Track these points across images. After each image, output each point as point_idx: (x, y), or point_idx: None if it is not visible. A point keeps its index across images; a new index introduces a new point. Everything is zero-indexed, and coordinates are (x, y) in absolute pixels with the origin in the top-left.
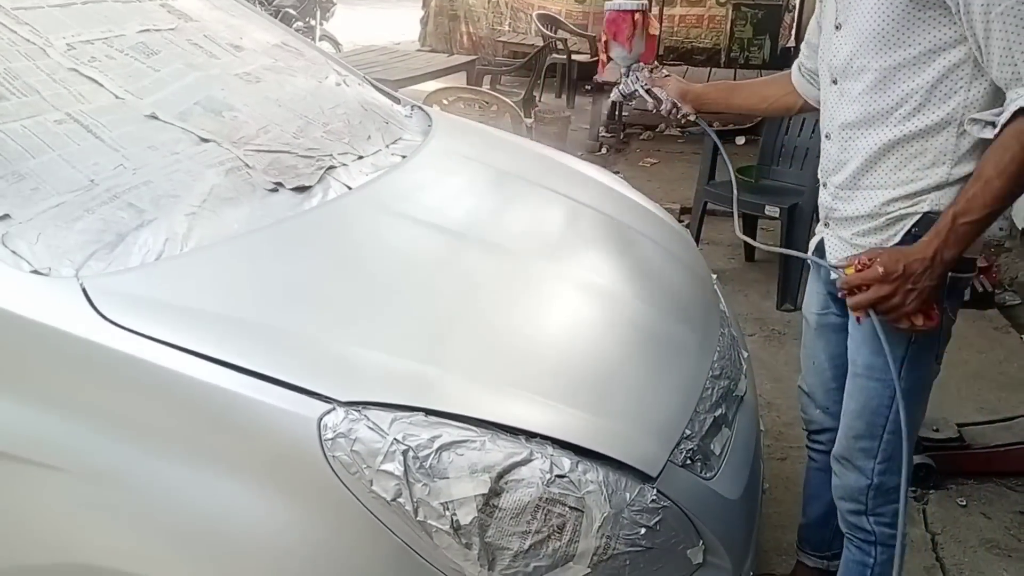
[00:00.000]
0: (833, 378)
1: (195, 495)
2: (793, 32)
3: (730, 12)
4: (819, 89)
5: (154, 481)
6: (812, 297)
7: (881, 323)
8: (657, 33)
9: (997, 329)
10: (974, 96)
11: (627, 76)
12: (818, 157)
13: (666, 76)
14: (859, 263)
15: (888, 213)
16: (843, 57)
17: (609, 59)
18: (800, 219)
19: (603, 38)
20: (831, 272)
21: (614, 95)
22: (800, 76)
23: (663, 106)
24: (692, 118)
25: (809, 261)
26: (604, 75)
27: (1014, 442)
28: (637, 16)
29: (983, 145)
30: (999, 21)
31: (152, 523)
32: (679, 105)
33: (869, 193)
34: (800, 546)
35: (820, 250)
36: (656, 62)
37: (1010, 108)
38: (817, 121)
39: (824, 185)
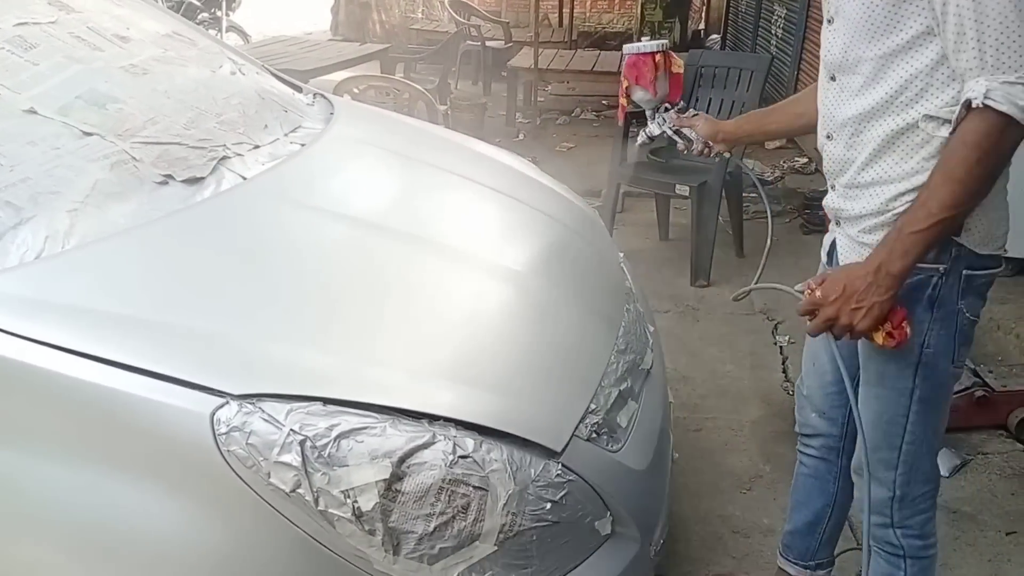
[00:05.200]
0: (834, 381)
1: (88, 499)
2: (703, 15)
3: None
4: None
5: (44, 487)
6: None
7: (865, 343)
8: (682, 71)
9: None
10: None
11: (653, 119)
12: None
13: (695, 115)
14: (808, 288)
15: (895, 208)
16: (838, 51)
17: (631, 102)
18: (709, 196)
19: (624, 83)
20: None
21: (640, 138)
22: None
23: (694, 147)
24: (727, 156)
25: (783, 290)
26: (622, 120)
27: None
28: (659, 58)
29: None
30: (952, 3)
31: (43, 529)
32: (711, 145)
33: (876, 189)
34: (783, 553)
35: (833, 250)
36: (682, 101)
37: (961, 103)
38: (723, 100)
39: (832, 187)
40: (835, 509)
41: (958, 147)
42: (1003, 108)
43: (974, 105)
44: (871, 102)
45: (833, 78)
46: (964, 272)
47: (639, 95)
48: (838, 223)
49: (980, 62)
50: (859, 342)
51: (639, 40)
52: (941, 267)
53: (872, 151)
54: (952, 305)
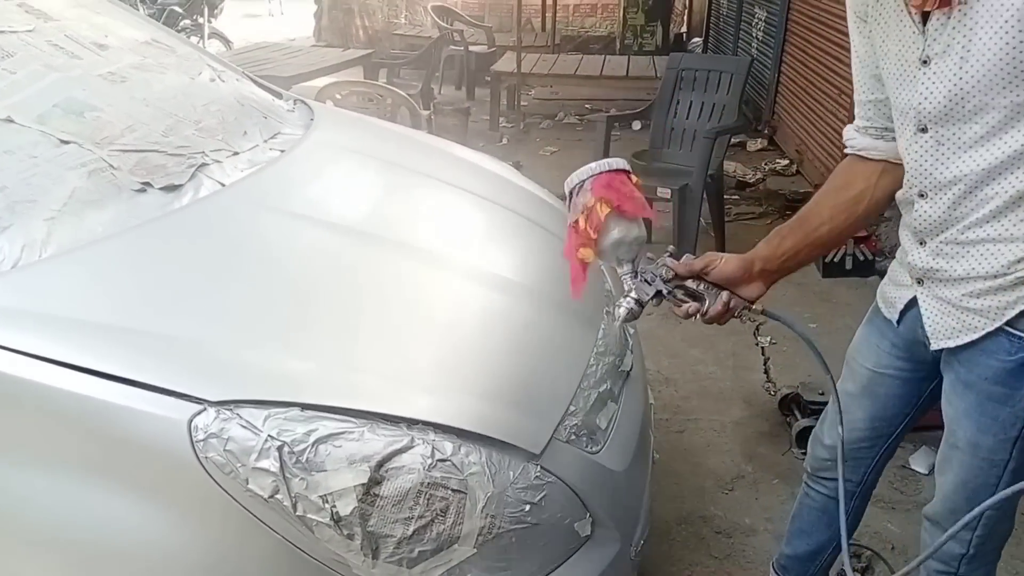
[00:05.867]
0: (865, 439)
1: (66, 508)
2: (685, 19)
3: (623, 0)
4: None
5: (21, 497)
6: (868, 349)
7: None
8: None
9: None
10: None
11: (637, 276)
12: (707, 140)
13: (709, 262)
14: None
15: (1017, 272)
16: (940, 99)
17: (597, 250)
18: (690, 199)
19: (581, 219)
20: (919, 330)
21: (623, 310)
22: (884, 141)
23: (708, 306)
24: (759, 310)
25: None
26: (580, 292)
27: None
28: (634, 178)
29: None
30: None
31: (20, 539)
32: (738, 294)
33: (989, 248)
34: (780, 572)
35: (908, 311)
36: (672, 247)
37: None
38: (704, 103)
39: (920, 243)
40: (839, 540)
41: None
42: None
43: None
44: (999, 155)
45: (924, 129)
46: None
47: (617, 235)
48: (921, 282)
49: None
50: (949, 404)
51: (624, 52)
52: None
53: (993, 209)
54: None
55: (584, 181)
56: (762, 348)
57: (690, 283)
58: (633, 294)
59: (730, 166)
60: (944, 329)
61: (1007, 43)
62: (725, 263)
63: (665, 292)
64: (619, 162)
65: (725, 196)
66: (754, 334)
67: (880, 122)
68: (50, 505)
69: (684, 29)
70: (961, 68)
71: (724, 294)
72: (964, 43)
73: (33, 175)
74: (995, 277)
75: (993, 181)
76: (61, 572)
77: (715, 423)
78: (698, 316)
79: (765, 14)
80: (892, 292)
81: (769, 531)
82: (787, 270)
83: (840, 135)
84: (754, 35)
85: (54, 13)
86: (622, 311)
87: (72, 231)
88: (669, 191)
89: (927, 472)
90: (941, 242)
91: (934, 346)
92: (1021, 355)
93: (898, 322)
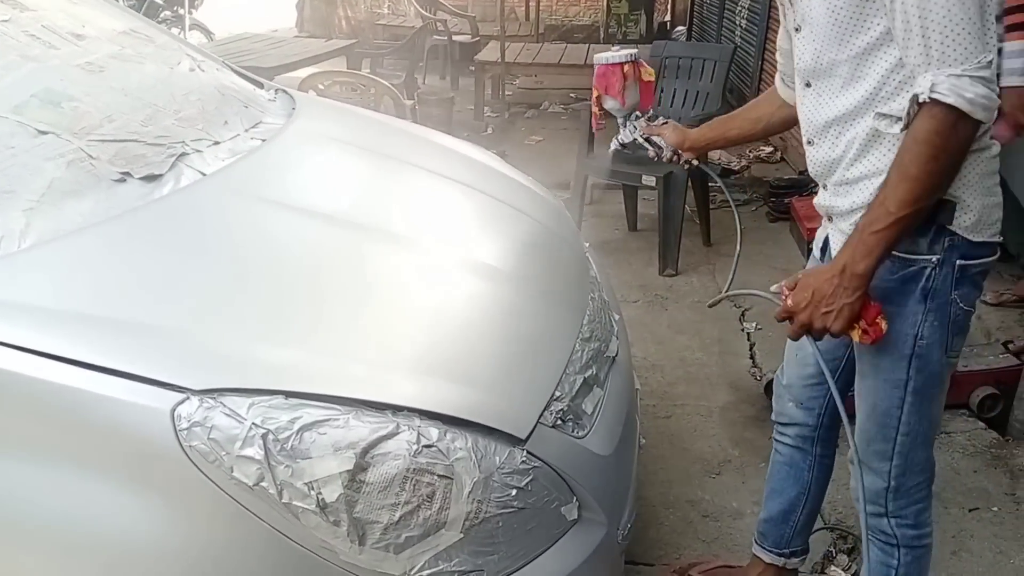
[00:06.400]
0: (815, 374)
1: (49, 498)
2: (669, 7)
3: None
4: None
5: (3, 487)
6: None
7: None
8: (653, 79)
9: None
10: None
11: (624, 126)
12: (691, 126)
13: (663, 123)
14: (783, 294)
15: None
16: (809, 58)
17: (602, 111)
18: (675, 187)
19: (595, 92)
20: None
21: (613, 145)
22: (784, 85)
23: (663, 154)
24: (694, 163)
25: (761, 295)
26: (596, 127)
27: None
28: (627, 68)
29: None
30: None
31: (4, 530)
32: (679, 152)
33: (865, 183)
34: (759, 541)
35: (826, 246)
36: (651, 109)
37: (910, 99)
38: (688, 91)
39: (823, 187)
40: (809, 498)
41: (910, 144)
42: (949, 100)
43: (921, 100)
44: (852, 101)
45: (808, 84)
46: (958, 262)
47: (610, 104)
48: (830, 219)
49: (926, 56)
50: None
51: (608, 41)
52: (934, 258)
53: (859, 148)
54: (945, 296)
55: (595, 67)
56: (748, 334)
57: (655, 138)
58: (620, 137)
59: (714, 154)
60: None
61: (827, 8)
62: (670, 133)
63: (640, 139)
64: (617, 56)
65: (710, 184)
66: (740, 320)
67: (787, 69)
68: (32, 496)
69: (668, 18)
70: (812, 32)
71: (671, 149)
72: (807, 12)
73: (11, 165)
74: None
75: (853, 124)
76: (44, 563)
77: (701, 408)
78: (656, 158)
79: (748, 2)
80: (819, 232)
81: (756, 514)
82: (707, 148)
83: None
84: (737, 23)
85: (30, 3)
86: (612, 145)
87: (51, 221)
88: (654, 179)
89: None
90: (835, 183)
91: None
92: (901, 273)
93: (820, 258)
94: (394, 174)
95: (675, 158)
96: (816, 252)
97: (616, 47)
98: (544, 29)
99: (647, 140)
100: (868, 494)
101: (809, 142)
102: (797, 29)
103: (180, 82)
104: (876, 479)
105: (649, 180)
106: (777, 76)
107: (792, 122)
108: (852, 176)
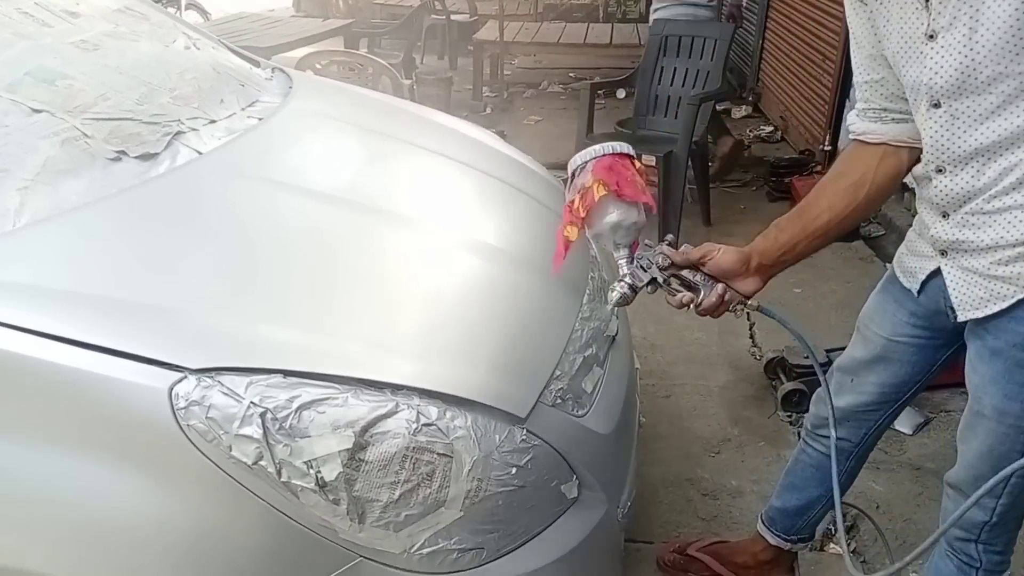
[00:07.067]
0: (872, 403)
1: (48, 478)
2: None
3: None
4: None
5: (2, 468)
6: (883, 317)
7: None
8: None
9: (863, 259)
10: None
11: (632, 261)
12: (691, 107)
13: (706, 252)
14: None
15: None
16: (952, 71)
17: (581, 229)
18: (675, 166)
19: (577, 200)
20: (942, 300)
21: (616, 295)
22: (881, 123)
23: (702, 297)
24: (755, 308)
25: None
26: (559, 267)
27: None
28: (637, 164)
29: None
30: None
31: (4, 511)
32: (733, 288)
33: (1017, 215)
34: (767, 524)
35: (930, 280)
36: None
37: None
38: (688, 70)
39: (943, 216)
40: (831, 499)
41: None
42: None
43: None
44: (1018, 124)
45: (937, 105)
46: None
47: (615, 218)
48: (944, 254)
49: None
50: (973, 370)
51: (608, 20)
52: None
53: (1019, 177)
54: None
55: (587, 163)
56: (747, 313)
57: (686, 273)
58: (628, 279)
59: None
60: (971, 300)
61: (1017, 8)
62: (722, 255)
63: (660, 280)
64: (623, 146)
65: (710, 163)
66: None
67: (878, 103)
68: (30, 477)
69: None
70: (970, 39)
71: (720, 286)
72: (971, 13)
73: (4, 144)
74: (1020, 244)
75: (1014, 150)
76: (44, 544)
77: (701, 387)
78: (692, 307)
79: None
80: (912, 263)
81: (755, 492)
82: (785, 264)
83: (824, 101)
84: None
85: None
86: (615, 295)
87: (46, 200)
88: (654, 158)
89: (911, 432)
90: (966, 213)
91: (961, 317)
92: None
93: (918, 292)
94: (392, 153)
95: (726, 300)
96: (910, 285)
97: (587, 136)
98: (543, 8)
99: (678, 279)
100: (964, 523)
101: (940, 170)
102: (931, 36)
103: (175, 60)
104: (977, 512)
105: (649, 159)
106: (860, 119)
107: (903, 169)
108: (996, 207)
